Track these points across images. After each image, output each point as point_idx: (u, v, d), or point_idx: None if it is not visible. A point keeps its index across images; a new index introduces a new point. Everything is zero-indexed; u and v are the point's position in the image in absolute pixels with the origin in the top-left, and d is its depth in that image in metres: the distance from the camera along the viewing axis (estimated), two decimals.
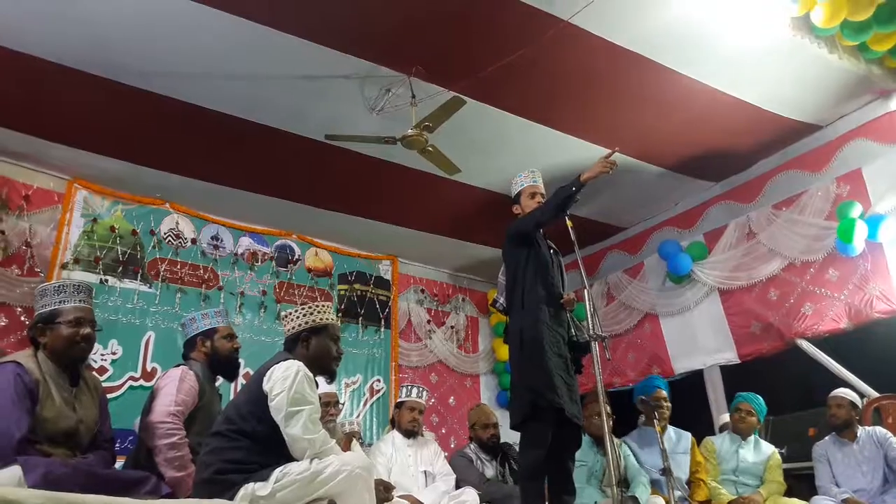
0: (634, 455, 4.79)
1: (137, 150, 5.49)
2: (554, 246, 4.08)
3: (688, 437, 4.92)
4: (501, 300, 4.10)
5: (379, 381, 7.08)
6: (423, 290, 7.89)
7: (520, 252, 3.90)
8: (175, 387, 3.29)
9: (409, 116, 4.70)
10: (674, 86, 4.94)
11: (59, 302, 2.93)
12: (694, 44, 4.55)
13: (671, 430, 4.92)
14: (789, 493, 4.67)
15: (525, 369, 3.64)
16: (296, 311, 3.09)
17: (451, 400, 7.55)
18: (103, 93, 4.70)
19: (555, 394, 3.50)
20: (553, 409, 3.51)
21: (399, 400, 4.98)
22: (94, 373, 3.36)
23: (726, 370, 6.20)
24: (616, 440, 4.79)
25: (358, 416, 6.68)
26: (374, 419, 6.87)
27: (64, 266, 5.43)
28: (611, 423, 4.59)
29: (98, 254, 5.64)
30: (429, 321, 7.75)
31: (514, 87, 4.88)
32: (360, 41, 4.41)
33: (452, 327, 7.93)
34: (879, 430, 4.53)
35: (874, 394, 4.98)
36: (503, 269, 4.11)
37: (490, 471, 4.72)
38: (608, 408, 4.61)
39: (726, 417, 5.54)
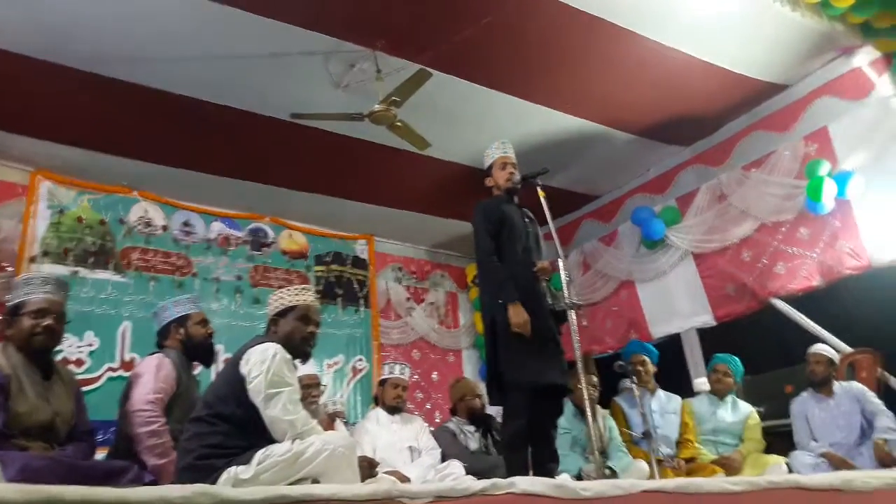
0: (625, 415, 4.90)
1: (100, 138, 5.37)
2: (530, 215, 4.08)
3: (677, 400, 5.06)
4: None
5: (361, 360, 7.06)
6: (401, 268, 7.86)
7: None
8: (153, 375, 3.28)
9: (376, 91, 4.64)
10: (639, 51, 4.92)
11: (26, 294, 2.94)
12: (657, 8, 4.53)
13: (661, 393, 5.07)
14: (769, 450, 4.78)
15: (500, 353, 3.67)
16: (273, 295, 3.09)
17: (434, 375, 7.57)
18: (63, 81, 4.59)
19: (534, 375, 3.55)
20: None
21: (382, 377, 4.99)
22: (68, 366, 3.34)
23: (703, 332, 6.28)
24: (603, 411, 4.88)
25: (341, 396, 6.68)
26: (359, 398, 6.87)
27: (32, 260, 5.32)
28: (597, 394, 4.71)
29: (67, 245, 5.53)
30: (408, 298, 7.73)
31: (480, 58, 4.84)
32: (321, 16, 4.33)
33: (432, 304, 7.93)
34: (856, 384, 4.64)
35: (847, 349, 5.07)
36: None
37: (474, 443, 4.74)
38: (595, 378, 4.73)
39: (703, 383, 5.64)
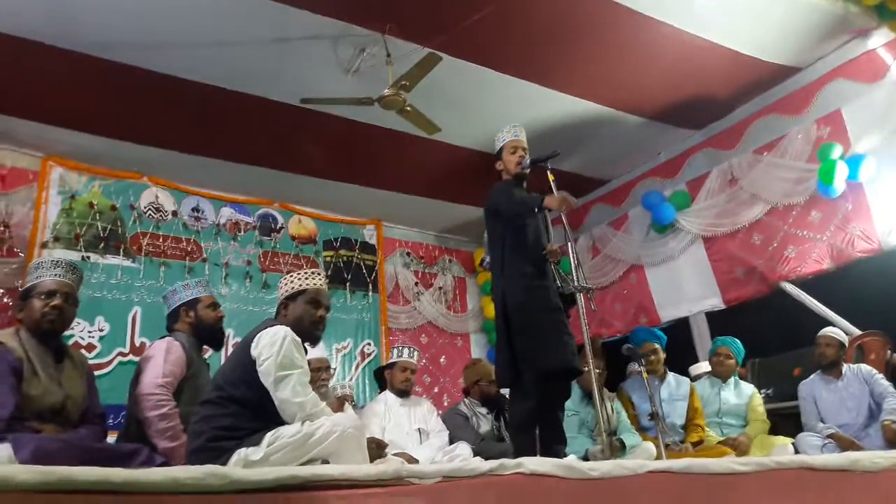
0: (631, 400, 4.91)
1: (111, 124, 5.39)
2: None
3: (687, 383, 5.04)
4: (489, 259, 4.12)
5: (369, 344, 7.11)
6: (409, 253, 7.88)
7: (498, 220, 3.91)
8: (162, 357, 3.28)
9: (386, 76, 4.62)
10: (652, 34, 4.88)
11: (37, 277, 2.98)
12: None
13: (671, 376, 5.05)
14: (776, 432, 4.79)
15: (512, 336, 3.65)
16: (283, 279, 3.11)
17: (442, 359, 7.61)
18: (73, 67, 4.59)
19: (551, 358, 3.54)
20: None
21: (390, 361, 5.00)
22: (80, 350, 3.36)
23: (712, 316, 6.26)
24: (610, 394, 4.89)
25: (350, 379, 6.72)
26: (367, 382, 6.90)
27: (44, 245, 5.37)
28: (603, 378, 4.71)
29: (78, 231, 5.57)
30: (416, 283, 7.76)
31: (491, 42, 4.81)
32: (330, 0, 4.31)
33: (440, 288, 7.96)
34: (864, 367, 4.62)
35: (856, 331, 5.05)
36: None
37: (486, 425, 4.76)
38: (601, 363, 4.72)
39: (701, 367, 5.64)
